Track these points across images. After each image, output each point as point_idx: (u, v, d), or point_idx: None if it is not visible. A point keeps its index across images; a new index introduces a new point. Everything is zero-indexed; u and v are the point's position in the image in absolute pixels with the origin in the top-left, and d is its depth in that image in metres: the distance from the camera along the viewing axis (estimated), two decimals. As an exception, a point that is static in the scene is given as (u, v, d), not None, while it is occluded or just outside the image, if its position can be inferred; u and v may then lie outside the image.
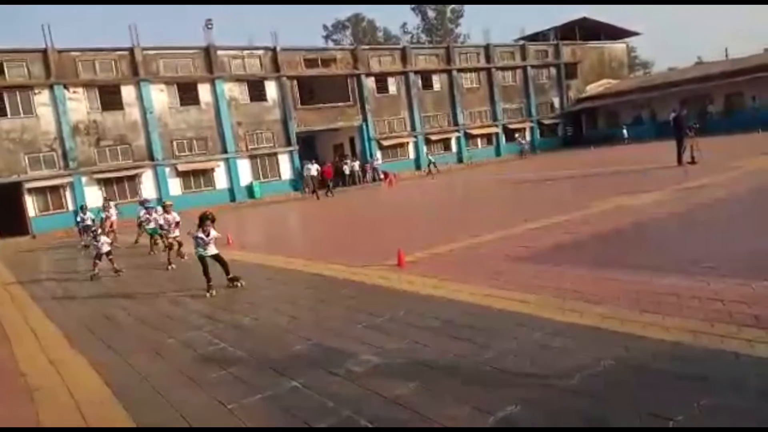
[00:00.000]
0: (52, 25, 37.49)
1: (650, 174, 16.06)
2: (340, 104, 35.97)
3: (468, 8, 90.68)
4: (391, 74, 38.12)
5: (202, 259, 7.92)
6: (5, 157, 26.21)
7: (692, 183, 12.86)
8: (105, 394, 4.61)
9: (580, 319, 4.82)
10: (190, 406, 4.12)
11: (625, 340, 4.23)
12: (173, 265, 10.97)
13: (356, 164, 36.12)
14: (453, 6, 70.85)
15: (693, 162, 16.74)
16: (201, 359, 5.20)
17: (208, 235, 7.85)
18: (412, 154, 38.68)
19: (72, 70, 27.94)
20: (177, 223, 11.48)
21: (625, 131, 38.95)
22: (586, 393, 3.50)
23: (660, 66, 73.12)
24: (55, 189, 27.34)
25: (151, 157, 29.67)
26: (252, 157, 32.76)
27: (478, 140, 42.14)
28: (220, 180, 31.77)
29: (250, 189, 32.27)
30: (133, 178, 29.14)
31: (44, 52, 27.09)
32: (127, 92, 29.25)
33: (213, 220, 7.91)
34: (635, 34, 53.93)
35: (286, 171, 34.03)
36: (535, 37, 48.70)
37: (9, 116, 26.38)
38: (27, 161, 26.79)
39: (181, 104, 30.75)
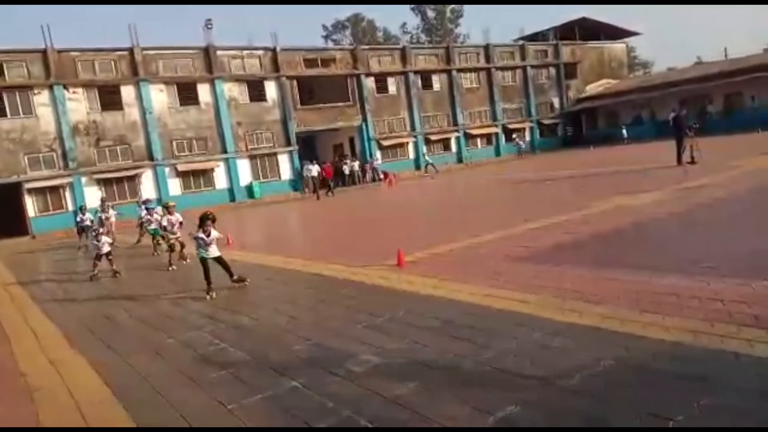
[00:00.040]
0: (52, 25, 37.54)
1: (650, 174, 16.06)
2: (339, 104, 35.97)
3: (468, 8, 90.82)
4: (391, 74, 38.12)
5: (203, 261, 7.81)
6: (5, 158, 26.20)
7: (692, 183, 12.86)
8: (105, 394, 4.61)
9: (580, 319, 4.82)
10: (190, 406, 4.12)
11: (625, 340, 4.23)
12: (174, 266, 10.94)
13: (356, 164, 36.13)
14: (453, 6, 70.92)
15: (692, 162, 16.74)
16: (201, 359, 5.20)
17: (208, 236, 7.75)
18: (411, 154, 38.68)
19: (71, 71, 27.94)
20: (180, 223, 11.41)
21: (624, 131, 38.96)
22: (586, 393, 3.50)
23: (659, 66, 73.24)
24: (54, 189, 27.33)
25: (151, 158, 29.67)
26: (252, 157, 32.76)
27: (478, 140, 42.14)
28: (220, 180, 31.77)
29: (249, 189, 32.27)
30: (132, 179, 29.13)
31: (44, 52, 27.09)
32: (127, 92, 29.25)
33: (214, 220, 7.81)
34: (635, 34, 53.97)
35: (285, 171, 34.03)
36: (534, 37, 48.71)
37: (9, 116, 26.37)
38: (27, 161, 26.78)
39: (181, 104, 30.75)
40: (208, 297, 7.60)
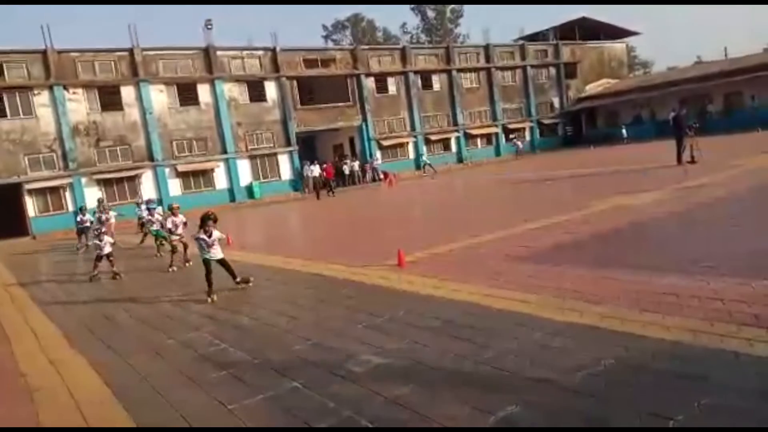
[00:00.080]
0: (52, 26, 37.55)
1: (650, 173, 16.06)
2: (339, 104, 35.98)
3: (467, 8, 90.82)
4: (391, 74, 38.14)
5: (206, 262, 7.67)
6: (5, 158, 26.22)
7: (692, 182, 12.86)
8: (105, 395, 4.61)
9: (580, 319, 4.82)
10: (190, 407, 4.12)
11: (625, 340, 4.23)
12: (174, 268, 10.87)
13: (356, 164, 36.15)
14: (452, 6, 70.95)
15: (693, 161, 16.74)
16: (201, 359, 5.20)
17: (210, 236, 7.63)
18: (411, 154, 38.69)
19: (71, 71, 27.95)
20: (184, 224, 11.33)
21: (624, 131, 38.96)
22: (587, 393, 3.50)
23: (659, 66, 73.32)
24: (55, 190, 27.35)
25: (151, 158, 29.68)
26: (252, 158, 32.77)
27: (478, 140, 42.16)
28: (220, 180, 31.78)
29: (249, 189, 32.28)
30: (133, 179, 29.15)
31: (44, 52, 27.11)
32: (127, 93, 29.27)
33: (215, 221, 7.68)
34: (635, 33, 54.00)
35: (285, 171, 34.05)
36: (534, 37, 48.73)
37: (9, 117, 26.40)
38: (27, 162, 26.80)
39: (181, 105, 30.77)
40: (209, 300, 7.48)
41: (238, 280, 7.88)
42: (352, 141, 38.50)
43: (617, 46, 51.88)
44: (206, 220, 7.61)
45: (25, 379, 5.32)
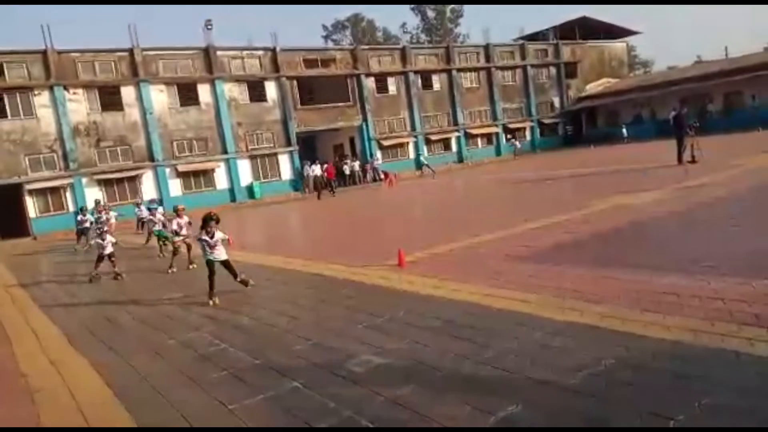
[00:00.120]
0: (52, 26, 37.57)
1: (650, 173, 16.05)
2: (339, 104, 35.98)
3: (467, 8, 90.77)
4: (391, 74, 38.13)
5: (209, 263, 7.56)
6: (5, 159, 26.23)
7: (692, 182, 12.86)
8: (106, 395, 4.61)
9: (581, 319, 4.82)
10: (191, 407, 4.12)
11: (626, 340, 4.23)
12: (174, 269, 10.74)
13: (356, 164, 36.14)
14: (452, 6, 70.91)
15: (693, 161, 16.73)
16: (202, 359, 5.20)
17: (212, 237, 7.54)
18: (412, 154, 38.68)
19: (72, 71, 27.96)
20: (189, 223, 11.19)
21: (624, 130, 38.94)
22: (587, 392, 3.50)
23: (660, 65, 73.23)
24: (55, 190, 27.36)
25: (152, 158, 29.68)
26: (252, 158, 32.78)
27: (478, 140, 42.15)
28: (221, 180, 31.78)
29: (250, 189, 32.28)
30: (133, 179, 29.15)
31: (44, 53, 27.12)
32: (127, 93, 29.27)
33: (217, 221, 7.57)
34: (635, 33, 53.97)
35: (286, 171, 34.05)
36: (534, 37, 48.72)
37: (9, 117, 26.41)
38: (27, 162, 26.81)
39: (181, 105, 30.77)
40: (210, 303, 7.34)
41: (238, 279, 7.78)
42: (352, 141, 38.50)
43: (617, 46, 51.86)
44: (208, 221, 7.52)
45: (26, 379, 5.32)
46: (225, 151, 31.70)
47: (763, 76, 32.80)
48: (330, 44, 64.02)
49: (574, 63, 47.16)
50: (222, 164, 31.69)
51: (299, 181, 33.87)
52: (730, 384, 3.36)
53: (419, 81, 39.28)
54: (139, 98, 29.34)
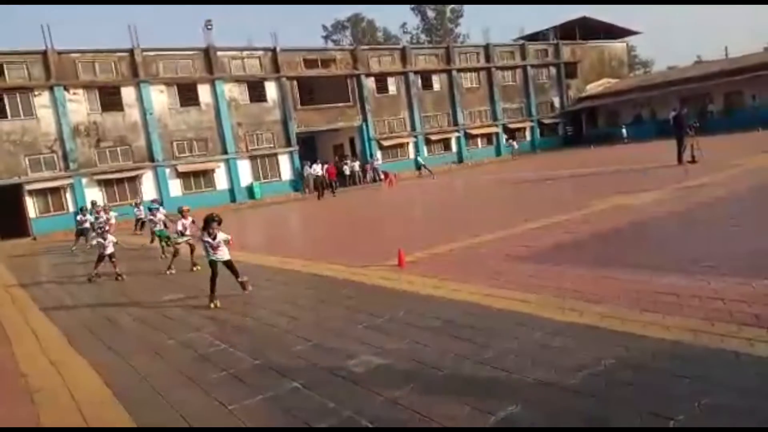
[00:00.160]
0: (52, 26, 37.56)
1: (650, 173, 16.05)
2: (340, 104, 35.98)
3: (467, 8, 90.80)
4: (391, 74, 38.13)
5: (212, 264, 7.49)
6: (5, 159, 26.23)
7: (692, 182, 12.86)
8: (106, 395, 4.61)
9: (581, 319, 4.82)
10: (190, 407, 4.12)
11: (626, 340, 4.23)
12: (172, 270, 10.58)
13: (356, 164, 36.14)
14: (452, 6, 70.90)
15: (693, 161, 16.73)
16: (201, 360, 5.20)
17: (214, 239, 7.48)
18: (412, 155, 38.61)
19: (72, 72, 27.97)
20: (193, 223, 10.92)
21: (624, 130, 38.92)
22: (587, 393, 3.50)
23: (660, 65, 73.26)
24: (55, 190, 27.37)
25: (152, 158, 29.69)
26: (252, 158, 32.78)
27: (478, 140, 42.15)
28: (221, 181, 31.78)
29: (250, 190, 32.28)
30: (133, 180, 29.17)
31: (44, 53, 27.13)
32: (127, 93, 29.28)
33: (219, 222, 7.50)
34: (635, 33, 53.97)
35: (286, 171, 34.05)
36: (534, 37, 48.72)
37: (9, 118, 26.41)
38: (27, 163, 26.82)
39: (181, 105, 30.78)
40: (211, 306, 7.25)
41: (239, 280, 7.71)
42: (352, 141, 38.50)
43: (617, 46, 51.86)
44: (210, 223, 7.46)
45: (26, 379, 5.32)
46: (225, 152, 31.70)
47: (763, 76, 32.79)
48: (330, 44, 64.04)
49: (574, 63, 47.17)
50: (222, 164, 31.70)
51: (299, 181, 33.87)
52: (729, 384, 3.36)
53: (419, 81, 39.28)
54: (139, 98, 29.35)
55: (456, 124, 40.64)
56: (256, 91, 32.94)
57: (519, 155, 39.71)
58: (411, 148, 38.62)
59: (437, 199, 20.08)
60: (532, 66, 44.75)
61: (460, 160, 40.21)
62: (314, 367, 4.58)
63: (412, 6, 70.62)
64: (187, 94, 30.87)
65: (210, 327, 6.34)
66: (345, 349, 4.89)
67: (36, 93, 27.01)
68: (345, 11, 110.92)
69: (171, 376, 4.90)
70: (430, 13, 71.15)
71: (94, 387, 4.86)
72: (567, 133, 46.38)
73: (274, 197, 31.71)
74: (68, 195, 27.66)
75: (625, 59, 52.85)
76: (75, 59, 28.14)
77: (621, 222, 9.25)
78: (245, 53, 33.14)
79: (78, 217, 18.65)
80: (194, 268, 10.45)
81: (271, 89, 33.36)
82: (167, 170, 30.07)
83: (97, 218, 17.26)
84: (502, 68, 43.35)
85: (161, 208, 13.77)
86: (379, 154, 36.89)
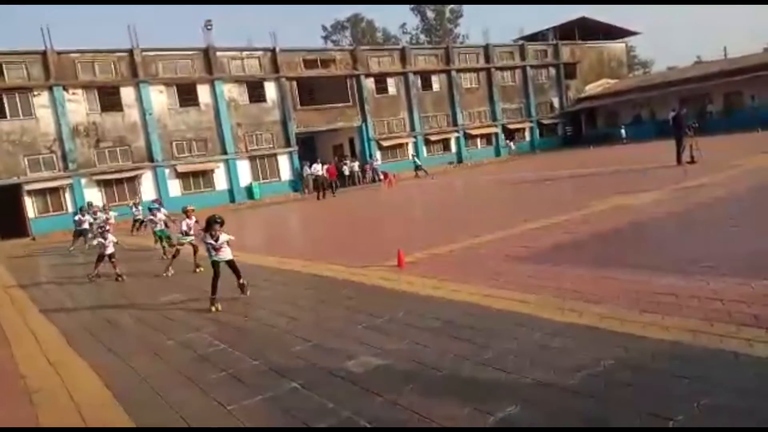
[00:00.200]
0: (51, 26, 37.58)
1: (649, 173, 16.06)
2: (339, 105, 35.98)
3: (467, 8, 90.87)
4: (391, 75, 38.14)
5: (215, 265, 7.42)
6: (5, 159, 26.23)
7: (691, 182, 12.86)
8: (105, 396, 4.61)
9: (580, 319, 4.82)
10: (190, 408, 4.12)
11: (625, 340, 4.23)
12: (171, 272, 10.41)
13: (356, 165, 36.14)
14: (452, 6, 70.93)
15: (692, 161, 16.73)
16: (201, 360, 5.20)
17: (217, 240, 7.41)
18: (416, 154, 38.59)
19: (71, 72, 27.96)
20: (197, 223, 10.64)
21: (623, 131, 38.95)
22: (586, 393, 3.50)
23: (659, 65, 73.30)
24: (54, 191, 27.36)
25: (151, 159, 29.68)
26: (251, 158, 32.78)
27: (478, 140, 42.17)
28: (220, 181, 31.78)
29: (249, 190, 32.28)
30: (132, 180, 29.16)
31: (43, 53, 27.12)
32: (127, 93, 29.28)
33: (221, 224, 7.43)
34: (634, 33, 54.03)
35: (285, 172, 34.05)
36: (534, 37, 48.76)
37: (8, 118, 26.40)
38: (26, 163, 26.81)
39: (181, 105, 30.77)
40: (212, 309, 7.14)
41: (240, 281, 7.62)
42: (351, 141, 38.50)
43: (617, 46, 51.90)
44: (212, 224, 7.37)
45: (25, 380, 5.32)
46: (224, 152, 31.70)
47: (762, 77, 32.83)
48: (330, 45, 64.04)
49: (573, 63, 47.20)
50: (221, 165, 31.70)
51: (299, 181, 33.86)
52: (729, 384, 3.36)
53: (419, 81, 39.30)
54: (139, 99, 29.34)
55: (455, 124, 40.66)
56: (256, 92, 32.94)
57: (517, 156, 39.73)
58: (410, 149, 38.59)
59: (437, 200, 20.08)
60: (532, 66, 44.77)
61: (460, 160, 40.22)
62: (313, 367, 4.58)
63: (412, 6, 70.73)
64: (187, 95, 30.86)
65: (209, 327, 6.33)
66: (344, 349, 4.89)
67: (35, 93, 27.00)
68: (345, 11, 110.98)
69: (170, 376, 4.90)
70: (430, 14, 71.19)
71: (93, 388, 4.86)
72: (566, 133, 46.41)
73: (274, 197, 31.70)
74: (67, 195, 27.65)
75: (624, 60, 52.90)
76: (74, 59, 28.13)
77: (620, 222, 9.25)
78: (245, 53, 33.14)
79: (76, 218, 18.61)
80: (197, 269, 10.29)
81: (270, 89, 33.36)
82: (166, 170, 30.07)
83: (95, 218, 17.27)
84: (502, 69, 43.38)
85: (162, 208, 13.66)
86: (378, 155, 36.89)
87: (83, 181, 27.93)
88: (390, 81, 38.21)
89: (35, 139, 27.03)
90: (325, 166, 31.95)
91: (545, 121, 45.51)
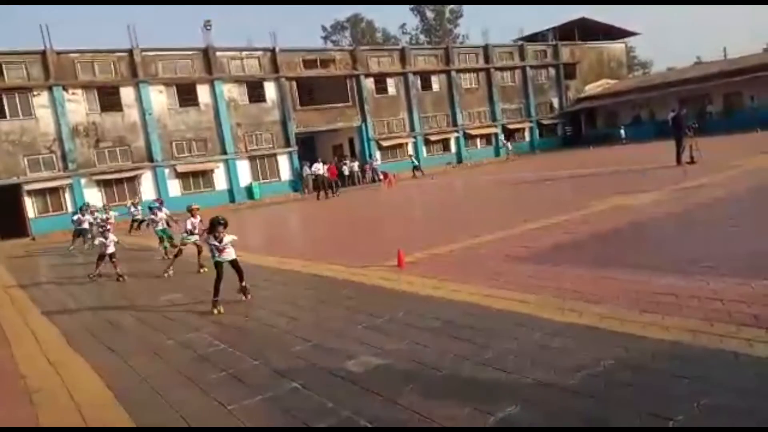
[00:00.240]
0: (51, 26, 37.56)
1: (649, 174, 16.07)
2: (339, 105, 35.97)
3: (467, 9, 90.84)
4: (390, 75, 38.12)
5: (218, 265, 7.36)
6: (4, 159, 26.20)
7: (691, 183, 12.87)
8: (105, 396, 4.61)
9: (580, 319, 4.83)
10: (190, 407, 4.12)
11: (625, 340, 4.23)
12: (170, 272, 10.37)
13: (355, 165, 36.13)
14: (452, 6, 70.94)
15: (692, 162, 16.74)
16: (201, 360, 5.20)
17: (221, 242, 7.36)
18: (414, 155, 38.57)
19: (71, 72, 27.94)
20: (201, 222, 10.57)
21: (622, 131, 38.94)
22: (586, 393, 3.51)
23: (659, 66, 73.41)
24: (54, 191, 27.34)
25: (151, 159, 29.67)
26: (251, 158, 32.76)
27: (477, 140, 42.16)
28: (220, 181, 31.77)
29: (249, 190, 32.27)
30: (132, 180, 29.14)
31: (43, 53, 27.10)
32: (126, 93, 29.25)
33: (225, 225, 7.34)
34: (634, 34, 54.03)
35: (285, 172, 34.03)
36: (533, 38, 48.76)
37: (8, 118, 26.37)
38: (26, 163, 26.78)
39: (180, 105, 30.75)
40: (215, 311, 7.05)
41: (243, 284, 7.53)
42: (351, 141, 38.49)
43: (616, 47, 51.90)
44: (216, 226, 7.28)
45: (25, 380, 5.32)
46: (224, 152, 31.69)
47: (762, 77, 32.83)
48: (329, 45, 64.03)
49: (573, 64, 47.20)
50: (221, 165, 31.68)
51: (298, 181, 33.86)
52: (729, 384, 3.37)
53: (418, 82, 39.29)
54: (139, 99, 29.32)
55: (455, 124, 40.65)
56: (256, 92, 32.92)
57: (515, 156, 39.64)
58: (410, 149, 38.56)
59: (436, 200, 20.08)
60: (531, 67, 44.77)
61: (460, 160, 40.22)
62: (314, 367, 4.59)
63: (412, 7, 70.72)
64: (187, 95, 30.84)
65: (209, 327, 6.33)
66: (344, 349, 4.89)
67: (35, 93, 26.98)
68: (344, 11, 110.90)
69: (170, 376, 4.90)
70: (430, 14, 71.18)
71: (93, 388, 4.86)
72: (566, 133, 46.41)
73: (273, 197, 31.69)
74: (67, 195, 27.63)
75: (623, 60, 52.89)
76: (74, 59, 28.11)
77: (620, 222, 9.26)
78: (244, 53, 33.12)
79: (75, 217, 18.60)
80: (201, 270, 10.19)
81: (270, 89, 33.36)
82: (166, 170, 30.05)
83: (95, 218, 17.26)
84: (501, 69, 43.37)
85: (164, 208, 13.62)
86: (378, 155, 36.88)
87: (83, 181, 27.92)
88: (390, 81, 38.20)
89: (35, 139, 27.00)
90: (326, 166, 31.91)
91: (545, 122, 45.50)
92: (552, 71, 46.24)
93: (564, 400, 3.46)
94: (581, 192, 15.13)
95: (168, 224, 12.97)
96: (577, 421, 3.22)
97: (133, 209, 21.92)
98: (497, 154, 42.21)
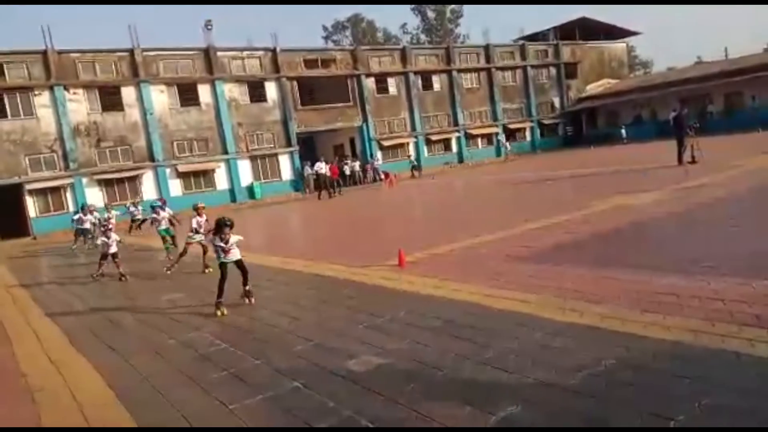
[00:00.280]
0: (52, 26, 37.61)
1: (650, 173, 16.05)
2: (340, 105, 35.97)
3: (467, 8, 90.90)
4: (391, 75, 38.11)
5: (222, 266, 7.27)
6: (6, 159, 26.23)
7: (692, 182, 12.86)
8: (106, 395, 4.62)
9: (581, 319, 4.83)
10: (191, 407, 4.13)
11: (626, 340, 4.23)
12: (174, 268, 10.44)
13: (356, 165, 36.13)
14: (453, 6, 70.90)
15: (693, 161, 16.73)
16: (202, 360, 5.20)
17: (227, 243, 7.26)
18: (412, 155, 38.62)
19: (72, 72, 27.96)
20: (207, 221, 10.48)
21: (623, 131, 38.91)
22: (587, 393, 3.51)
23: (660, 66, 73.31)
24: (55, 190, 27.36)
25: (152, 158, 29.69)
26: (252, 158, 32.77)
27: (478, 140, 42.15)
28: (221, 181, 31.78)
29: (250, 190, 32.28)
30: (133, 179, 29.16)
31: (44, 53, 27.12)
32: (127, 93, 29.27)
33: (231, 226, 7.23)
34: (635, 33, 53.99)
35: (286, 172, 34.04)
36: (534, 37, 48.72)
37: (9, 118, 26.40)
38: (27, 162, 26.81)
39: (182, 105, 30.76)
40: (218, 313, 6.90)
41: (246, 287, 7.41)
42: (352, 141, 38.49)
43: (617, 46, 51.86)
44: (222, 227, 7.18)
45: (26, 379, 5.33)
46: (225, 152, 31.70)
47: (763, 77, 32.79)
48: (330, 45, 64.04)
49: (574, 63, 47.17)
50: (222, 165, 31.69)
51: (299, 181, 33.86)
52: (730, 384, 3.37)
53: (419, 81, 39.28)
54: (140, 98, 29.34)
55: (456, 124, 40.64)
56: (257, 91, 32.93)
57: (514, 156, 39.57)
58: (411, 149, 38.56)
59: (437, 200, 20.08)
60: (532, 66, 44.75)
61: (461, 160, 40.20)
62: (315, 366, 4.59)
63: (412, 6, 70.70)
64: (188, 94, 30.85)
65: (211, 326, 6.34)
66: (346, 349, 4.89)
67: (36, 93, 27.00)
68: (345, 11, 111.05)
69: (172, 375, 4.91)
70: (430, 14, 71.15)
71: (95, 387, 4.87)
72: (567, 133, 46.38)
73: (275, 197, 31.70)
74: (68, 195, 27.65)
75: (624, 60, 52.85)
76: (75, 59, 28.13)
77: (621, 222, 9.25)
78: (245, 53, 33.13)
79: (75, 216, 18.62)
80: (206, 270, 10.13)
81: (271, 89, 33.36)
82: (167, 170, 30.06)
83: (95, 218, 17.27)
84: (502, 68, 43.35)
85: (167, 208, 13.62)
86: (379, 155, 36.88)
87: (84, 180, 27.94)
88: (391, 81, 38.19)
89: (36, 138, 27.03)
90: (328, 165, 31.89)
91: (546, 121, 45.47)
92: (553, 71, 46.22)
93: (565, 400, 3.46)
94: (582, 192, 15.12)
95: (171, 223, 12.98)
96: (578, 420, 3.22)
97: (133, 209, 21.92)
98: (498, 154, 42.14)
